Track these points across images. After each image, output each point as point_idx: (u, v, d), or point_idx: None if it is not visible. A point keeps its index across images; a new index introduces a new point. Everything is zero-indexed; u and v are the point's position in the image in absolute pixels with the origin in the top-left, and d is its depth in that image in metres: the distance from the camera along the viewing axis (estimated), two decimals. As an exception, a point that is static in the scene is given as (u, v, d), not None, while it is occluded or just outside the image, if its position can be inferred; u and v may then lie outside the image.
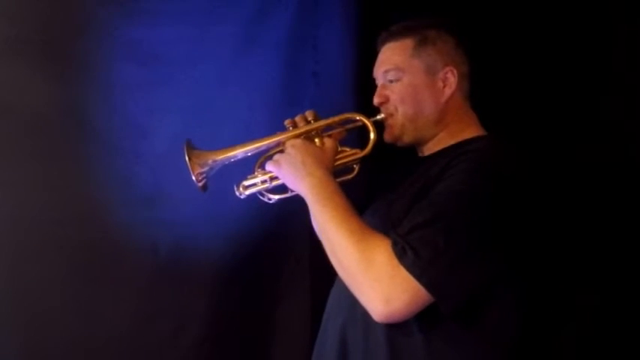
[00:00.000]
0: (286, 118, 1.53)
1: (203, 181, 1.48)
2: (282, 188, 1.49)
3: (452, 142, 1.46)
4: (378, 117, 1.50)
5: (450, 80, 1.47)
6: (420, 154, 1.54)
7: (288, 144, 1.44)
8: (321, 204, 1.32)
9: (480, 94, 1.54)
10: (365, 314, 1.26)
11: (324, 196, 1.33)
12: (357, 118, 1.51)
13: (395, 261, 1.17)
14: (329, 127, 1.50)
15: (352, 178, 1.51)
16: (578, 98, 1.89)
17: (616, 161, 1.84)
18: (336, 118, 1.52)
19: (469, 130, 1.47)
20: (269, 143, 1.49)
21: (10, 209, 1.85)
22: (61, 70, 1.91)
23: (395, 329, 1.25)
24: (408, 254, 1.17)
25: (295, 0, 2.16)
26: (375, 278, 1.19)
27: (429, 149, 1.50)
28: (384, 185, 1.52)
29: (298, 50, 2.17)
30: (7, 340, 1.83)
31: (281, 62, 2.15)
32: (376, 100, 1.52)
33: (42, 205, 1.89)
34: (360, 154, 1.50)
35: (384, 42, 1.54)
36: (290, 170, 1.40)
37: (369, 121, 1.50)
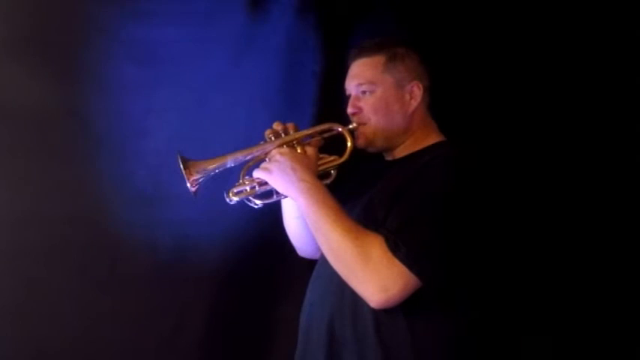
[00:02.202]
0: (285, 119, 1.62)
1: (196, 187, 1.56)
2: (267, 194, 1.59)
3: (418, 147, 1.62)
4: (351, 126, 1.64)
5: (416, 93, 1.63)
6: (390, 158, 1.68)
7: (276, 152, 1.54)
8: (316, 206, 1.44)
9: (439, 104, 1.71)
10: (353, 304, 1.44)
11: (317, 199, 1.45)
12: (336, 128, 1.63)
13: (389, 254, 1.34)
14: (308, 137, 1.61)
15: (330, 182, 1.61)
16: (550, 103, 2.11)
17: (589, 163, 2.06)
18: (318, 128, 1.64)
19: (432, 136, 1.65)
20: (256, 152, 1.58)
21: (10, 209, 1.86)
22: (61, 70, 1.92)
23: (382, 315, 1.42)
24: (401, 248, 1.34)
25: (295, 0, 2.16)
26: (373, 270, 1.35)
27: (398, 154, 1.66)
28: (355, 186, 1.65)
29: (298, 50, 2.18)
30: (7, 340, 1.84)
31: (281, 62, 2.16)
32: (350, 111, 1.65)
33: (42, 205, 1.89)
34: (339, 160, 1.63)
35: (355, 58, 1.67)
36: (281, 176, 1.50)
37: (346, 130, 1.63)
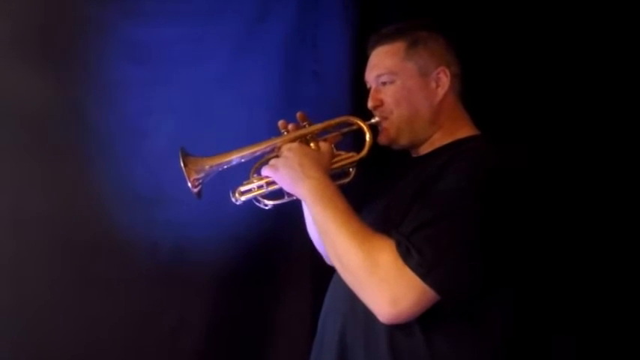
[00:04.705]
0: (286, 118, 1.52)
1: (199, 187, 1.46)
2: (277, 194, 1.46)
3: (446, 141, 1.46)
4: (373, 120, 1.50)
5: (443, 80, 1.47)
6: (415, 155, 1.53)
7: (285, 148, 1.42)
8: (322, 205, 1.30)
9: (475, 94, 1.54)
10: (365, 315, 1.25)
11: (323, 197, 1.31)
12: (353, 121, 1.51)
13: (400, 261, 1.17)
14: (325, 131, 1.50)
15: (349, 181, 1.49)
16: (574, 97, 1.95)
17: (614, 161, 1.90)
18: (332, 122, 1.51)
19: (463, 129, 1.48)
20: (265, 148, 1.47)
21: (10, 209, 1.86)
22: (61, 70, 1.92)
23: (396, 329, 1.24)
24: (413, 254, 1.16)
25: (295, -1, 2.17)
26: (380, 279, 1.18)
27: (424, 149, 1.50)
28: (376, 186, 1.52)
29: (298, 50, 2.17)
30: (7, 340, 1.84)
31: (281, 62, 2.15)
32: (370, 104, 1.50)
33: (42, 205, 1.89)
34: (357, 156, 1.48)
35: (374, 45, 1.53)
36: (287, 173, 1.37)
37: (365, 124, 1.49)
